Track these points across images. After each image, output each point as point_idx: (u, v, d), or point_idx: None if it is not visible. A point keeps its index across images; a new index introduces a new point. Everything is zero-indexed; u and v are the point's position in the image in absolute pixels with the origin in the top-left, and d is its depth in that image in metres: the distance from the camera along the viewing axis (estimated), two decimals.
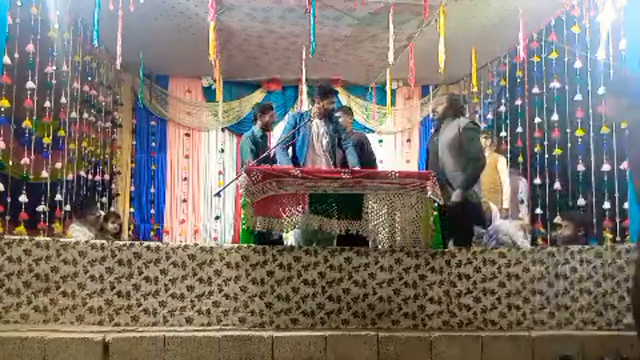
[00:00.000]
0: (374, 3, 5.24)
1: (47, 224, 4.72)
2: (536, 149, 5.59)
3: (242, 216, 3.58)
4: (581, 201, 4.87)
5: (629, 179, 3.98)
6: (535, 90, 5.57)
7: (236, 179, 4.21)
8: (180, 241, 7.05)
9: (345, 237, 3.70)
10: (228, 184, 4.72)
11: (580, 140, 4.96)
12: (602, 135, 4.54)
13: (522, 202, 5.77)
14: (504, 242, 4.47)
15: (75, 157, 5.52)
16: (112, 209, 6.48)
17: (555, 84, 5.27)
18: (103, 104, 6.41)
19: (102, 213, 5.39)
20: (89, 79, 5.92)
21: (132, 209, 7.40)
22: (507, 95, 6.38)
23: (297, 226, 3.70)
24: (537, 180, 5.60)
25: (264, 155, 4.50)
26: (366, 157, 4.80)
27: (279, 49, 6.51)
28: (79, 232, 4.72)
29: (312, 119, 4.39)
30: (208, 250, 3.38)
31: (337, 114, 4.81)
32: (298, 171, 3.62)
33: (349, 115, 5.13)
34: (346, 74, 7.53)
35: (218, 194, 4.70)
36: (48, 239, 3.44)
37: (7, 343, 2.93)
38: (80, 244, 3.35)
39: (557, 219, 5.07)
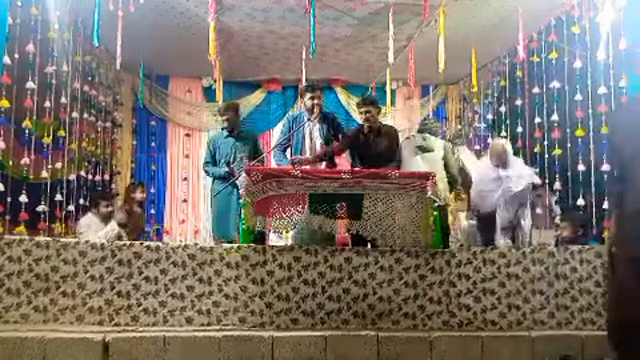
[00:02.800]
0: (374, 3, 5.23)
1: (47, 224, 4.73)
2: (536, 149, 5.59)
3: (242, 216, 3.58)
4: (581, 201, 4.87)
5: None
6: (536, 90, 5.57)
7: (236, 179, 4.21)
8: (180, 241, 7.05)
9: (357, 237, 3.71)
10: (228, 184, 4.71)
11: (580, 140, 4.96)
12: (602, 135, 4.54)
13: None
14: None
15: (76, 157, 5.52)
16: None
17: (555, 84, 5.27)
18: (103, 104, 6.42)
19: (114, 209, 5.49)
20: (89, 79, 5.92)
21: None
22: (507, 95, 6.38)
23: (297, 226, 3.70)
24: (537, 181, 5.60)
25: (260, 158, 4.50)
26: (392, 155, 4.40)
27: (279, 49, 6.51)
28: (90, 222, 4.87)
29: (311, 119, 4.39)
30: (208, 250, 3.38)
31: (362, 109, 4.40)
32: (298, 171, 3.62)
33: (374, 107, 4.45)
34: (346, 74, 7.53)
35: (218, 194, 4.70)
36: (48, 239, 3.44)
37: (7, 343, 2.93)
38: (81, 244, 3.35)
39: (557, 219, 5.07)
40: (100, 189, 6.15)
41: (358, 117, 7.59)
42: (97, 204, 5.08)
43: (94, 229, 4.87)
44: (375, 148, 4.37)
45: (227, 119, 4.84)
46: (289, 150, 4.58)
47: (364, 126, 4.44)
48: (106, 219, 5.05)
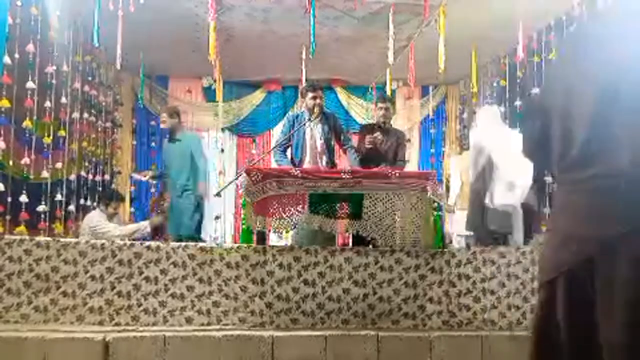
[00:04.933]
0: (374, 3, 5.24)
1: (47, 224, 4.73)
2: None
3: (242, 216, 3.59)
4: None
5: None
6: (535, 90, 5.57)
7: (236, 178, 4.22)
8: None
9: (357, 237, 3.73)
10: (228, 184, 4.72)
11: None
12: None
13: None
14: None
15: (76, 157, 5.53)
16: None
17: None
18: (103, 104, 6.43)
19: (118, 212, 5.67)
20: (89, 79, 5.93)
21: (132, 209, 7.40)
22: (507, 95, 6.39)
23: (297, 226, 3.71)
24: None
25: (259, 159, 4.55)
26: (400, 157, 4.68)
27: (279, 49, 6.51)
28: (101, 217, 5.10)
29: (311, 119, 4.39)
30: (208, 250, 3.38)
31: (382, 105, 4.67)
32: (298, 171, 3.62)
33: (392, 105, 4.87)
34: (346, 74, 7.53)
35: (218, 194, 4.71)
36: (48, 239, 3.44)
37: (7, 343, 2.93)
38: (81, 244, 3.35)
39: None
40: (106, 189, 6.28)
41: (357, 116, 7.76)
42: (108, 204, 5.27)
43: (112, 222, 5.15)
44: (383, 146, 4.53)
45: (164, 122, 5.03)
46: (289, 150, 4.58)
47: (378, 122, 4.71)
48: (111, 218, 5.24)
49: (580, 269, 1.25)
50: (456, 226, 5.53)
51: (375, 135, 4.45)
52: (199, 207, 4.91)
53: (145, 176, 5.36)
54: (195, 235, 4.77)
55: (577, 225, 1.28)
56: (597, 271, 1.23)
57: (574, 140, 1.27)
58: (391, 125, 4.87)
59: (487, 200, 4.37)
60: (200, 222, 4.97)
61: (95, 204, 5.79)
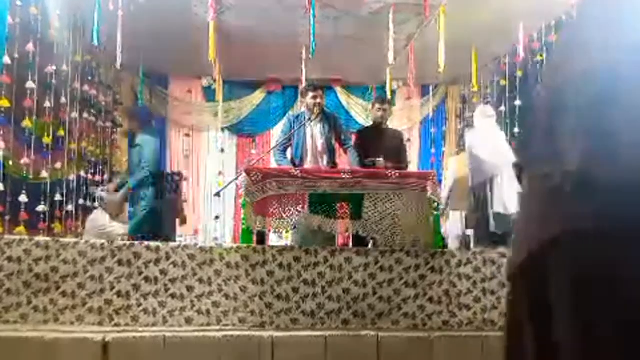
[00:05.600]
0: (374, 3, 5.24)
1: (47, 224, 4.73)
2: None
3: (242, 216, 3.58)
4: None
5: None
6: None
7: (236, 178, 4.22)
8: (180, 241, 7.04)
9: (358, 237, 3.73)
10: (228, 184, 4.72)
11: None
12: None
13: None
14: None
15: (75, 157, 5.53)
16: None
17: None
18: (103, 103, 6.42)
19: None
20: (89, 78, 5.93)
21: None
22: (507, 95, 6.39)
23: (297, 226, 3.70)
24: None
25: (259, 159, 4.53)
26: (402, 159, 4.74)
27: (279, 49, 6.50)
28: (104, 217, 5.04)
29: (312, 119, 4.39)
30: (208, 250, 3.37)
31: (380, 106, 4.73)
32: (298, 171, 3.62)
33: (389, 106, 4.93)
34: (346, 74, 7.53)
35: (218, 194, 4.70)
36: (48, 239, 3.43)
37: (6, 343, 2.93)
38: (80, 244, 3.34)
39: None
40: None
41: (357, 116, 7.76)
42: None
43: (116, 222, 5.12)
44: (380, 145, 4.56)
45: (121, 126, 4.95)
46: (289, 150, 4.58)
47: (375, 123, 4.79)
48: (114, 217, 5.29)
49: (529, 269, 1.26)
50: (452, 227, 5.53)
51: (377, 159, 4.43)
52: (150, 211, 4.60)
53: (111, 188, 5.15)
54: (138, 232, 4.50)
55: (530, 224, 1.28)
56: (543, 272, 1.24)
57: (536, 135, 1.29)
58: (388, 126, 4.91)
59: (490, 203, 4.39)
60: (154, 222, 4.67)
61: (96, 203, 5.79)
